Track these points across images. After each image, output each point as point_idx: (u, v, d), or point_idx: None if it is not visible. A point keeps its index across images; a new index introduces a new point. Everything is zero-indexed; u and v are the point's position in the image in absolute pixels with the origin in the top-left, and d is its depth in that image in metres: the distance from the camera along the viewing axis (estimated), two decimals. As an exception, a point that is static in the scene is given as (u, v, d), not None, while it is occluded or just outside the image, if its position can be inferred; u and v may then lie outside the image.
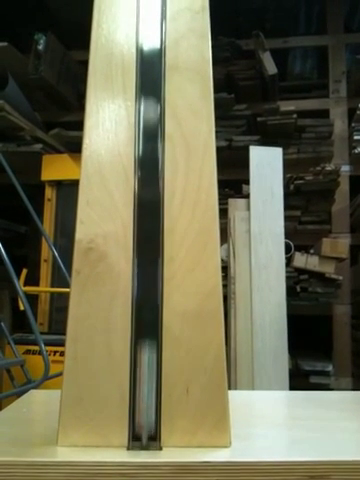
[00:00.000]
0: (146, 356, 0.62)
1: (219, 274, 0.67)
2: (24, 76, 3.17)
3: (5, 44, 3.05)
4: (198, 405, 0.62)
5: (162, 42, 0.69)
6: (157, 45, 0.69)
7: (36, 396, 0.95)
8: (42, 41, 3.14)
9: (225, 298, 2.80)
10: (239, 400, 0.93)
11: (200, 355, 0.63)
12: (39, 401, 0.92)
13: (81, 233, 0.64)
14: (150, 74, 0.68)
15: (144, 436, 0.60)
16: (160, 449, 0.60)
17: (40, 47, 3.15)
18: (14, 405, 0.82)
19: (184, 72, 0.69)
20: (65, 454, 0.58)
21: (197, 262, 0.66)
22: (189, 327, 0.64)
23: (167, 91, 0.68)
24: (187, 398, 0.62)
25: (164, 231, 0.65)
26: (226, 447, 0.61)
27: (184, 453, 0.59)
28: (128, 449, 0.60)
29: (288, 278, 2.84)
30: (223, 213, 2.90)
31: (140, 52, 0.69)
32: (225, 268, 2.89)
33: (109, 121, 0.67)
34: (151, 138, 0.67)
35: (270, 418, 0.81)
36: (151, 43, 0.69)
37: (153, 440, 0.60)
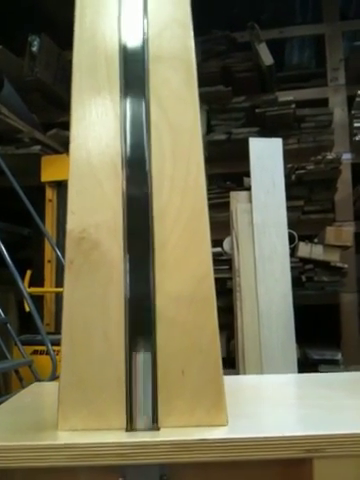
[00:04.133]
0: (141, 339, 0.63)
1: (210, 259, 0.68)
2: (20, 78, 3.18)
3: (-1, 47, 3.06)
4: (195, 385, 0.63)
5: (145, 32, 0.70)
6: (140, 36, 0.70)
7: (40, 387, 0.96)
8: (36, 43, 3.15)
9: (231, 291, 2.81)
10: (247, 383, 0.94)
11: (195, 338, 0.64)
12: (42, 392, 0.93)
13: (72, 223, 0.66)
14: (134, 64, 0.69)
15: (141, 417, 0.61)
16: (158, 429, 0.61)
17: (34, 49, 3.15)
18: (18, 395, 0.84)
19: (168, 61, 0.70)
20: (65, 437, 0.59)
21: (188, 248, 0.67)
22: (183, 311, 0.65)
23: (152, 80, 0.69)
24: (183, 379, 0.63)
25: (154, 218, 0.66)
26: (223, 426, 0.62)
27: (181, 432, 0.60)
28: (127, 430, 0.61)
29: (293, 268, 2.83)
30: (225, 206, 2.90)
31: (123, 43, 0.70)
32: (229, 261, 2.89)
33: (96, 113, 0.68)
34: (137, 127, 0.68)
35: (276, 398, 0.82)
36: (134, 34, 0.70)
37: (151, 421, 0.62)
